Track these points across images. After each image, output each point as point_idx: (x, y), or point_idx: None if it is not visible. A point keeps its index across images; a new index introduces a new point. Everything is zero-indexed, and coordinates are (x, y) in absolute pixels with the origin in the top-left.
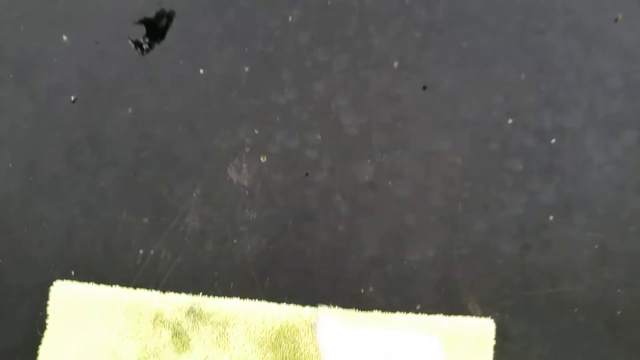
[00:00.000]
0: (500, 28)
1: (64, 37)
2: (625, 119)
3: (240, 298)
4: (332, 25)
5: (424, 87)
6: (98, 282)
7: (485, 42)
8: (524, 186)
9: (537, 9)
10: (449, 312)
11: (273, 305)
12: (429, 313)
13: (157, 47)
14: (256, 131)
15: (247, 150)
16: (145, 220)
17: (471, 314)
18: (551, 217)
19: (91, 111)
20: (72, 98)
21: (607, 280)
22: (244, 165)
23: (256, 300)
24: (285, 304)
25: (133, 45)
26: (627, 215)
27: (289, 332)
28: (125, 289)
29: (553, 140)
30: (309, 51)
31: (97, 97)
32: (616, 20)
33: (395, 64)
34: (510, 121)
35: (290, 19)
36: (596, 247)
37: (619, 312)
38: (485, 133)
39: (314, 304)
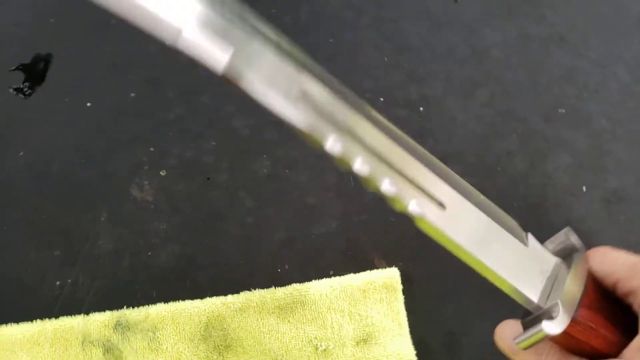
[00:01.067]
0: (358, 22)
1: None
2: (476, 80)
3: (165, 303)
4: None
5: None
6: (17, 321)
7: (348, 35)
8: None
9: (388, 1)
10: (358, 270)
11: (197, 301)
12: (341, 275)
13: (40, 90)
14: (151, 149)
15: (146, 167)
16: (57, 252)
17: (378, 268)
18: None
19: None
20: None
21: None
22: (145, 182)
23: (180, 301)
24: (208, 297)
25: (14, 92)
26: (493, 158)
27: (216, 322)
28: (47, 320)
29: (421, 109)
30: (192, 68)
31: None
32: (456, 1)
33: None
34: (382, 99)
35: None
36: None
37: None
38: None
39: (235, 291)
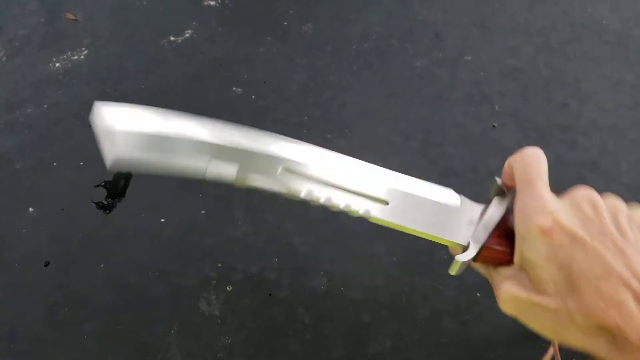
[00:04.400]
0: (406, 146)
1: (30, 209)
2: None
3: None
4: None
5: None
6: None
7: (396, 159)
8: None
9: (433, 126)
10: None
11: None
12: None
13: (120, 205)
14: (219, 265)
15: (214, 282)
16: None
17: None
18: (478, 294)
19: (65, 271)
20: (45, 262)
21: (534, 340)
22: (213, 297)
23: None
24: None
25: (96, 207)
26: None
27: None
28: None
29: None
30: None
31: (68, 258)
32: (494, 127)
33: None
34: None
35: None
36: None
37: None
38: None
39: None
